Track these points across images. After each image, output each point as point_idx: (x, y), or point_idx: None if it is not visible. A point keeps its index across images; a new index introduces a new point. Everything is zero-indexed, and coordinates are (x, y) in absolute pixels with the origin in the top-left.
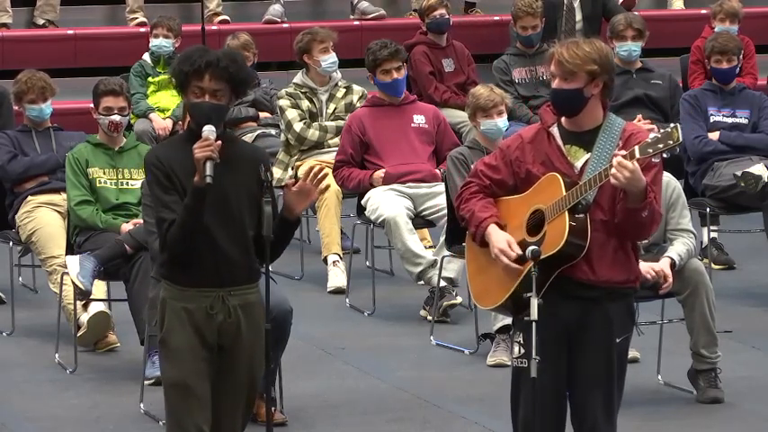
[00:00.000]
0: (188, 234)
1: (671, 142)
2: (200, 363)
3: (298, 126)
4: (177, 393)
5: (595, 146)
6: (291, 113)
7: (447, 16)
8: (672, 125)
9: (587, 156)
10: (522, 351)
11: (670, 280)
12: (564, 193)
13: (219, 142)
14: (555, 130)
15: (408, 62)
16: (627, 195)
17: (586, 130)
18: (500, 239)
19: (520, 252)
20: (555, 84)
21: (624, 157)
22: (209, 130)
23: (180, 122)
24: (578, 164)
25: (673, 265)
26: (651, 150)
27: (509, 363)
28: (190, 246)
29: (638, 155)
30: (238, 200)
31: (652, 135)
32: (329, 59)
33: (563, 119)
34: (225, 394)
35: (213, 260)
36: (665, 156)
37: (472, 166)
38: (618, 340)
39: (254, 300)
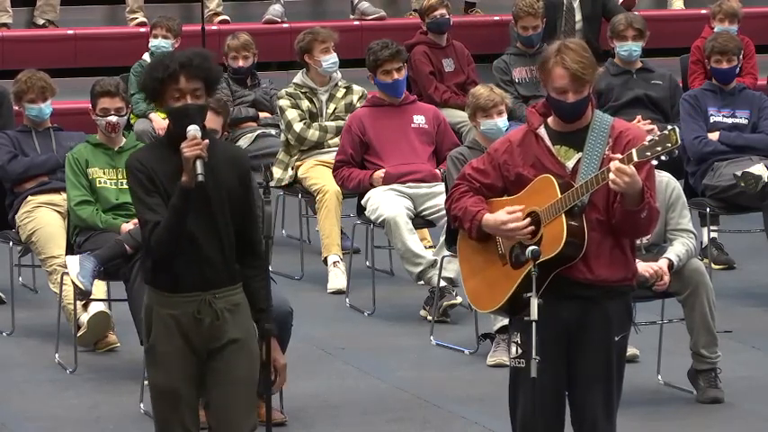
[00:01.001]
0: (175, 236)
1: (669, 145)
2: (190, 368)
3: (298, 126)
4: (167, 400)
5: (586, 145)
6: (291, 113)
7: (447, 16)
8: (669, 128)
9: (578, 155)
10: (520, 351)
11: (666, 279)
12: (559, 196)
13: (207, 141)
14: (542, 132)
15: (408, 62)
16: (624, 198)
17: (575, 129)
18: (500, 215)
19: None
20: (570, 98)
21: (621, 161)
22: (194, 129)
23: None
24: (569, 164)
25: (671, 266)
26: (649, 154)
27: (509, 363)
28: (176, 249)
29: (635, 158)
30: (219, 201)
31: (649, 138)
32: (330, 59)
33: (550, 119)
34: (221, 395)
35: (196, 263)
36: (663, 158)
37: (461, 169)
38: (616, 338)
39: (240, 301)
